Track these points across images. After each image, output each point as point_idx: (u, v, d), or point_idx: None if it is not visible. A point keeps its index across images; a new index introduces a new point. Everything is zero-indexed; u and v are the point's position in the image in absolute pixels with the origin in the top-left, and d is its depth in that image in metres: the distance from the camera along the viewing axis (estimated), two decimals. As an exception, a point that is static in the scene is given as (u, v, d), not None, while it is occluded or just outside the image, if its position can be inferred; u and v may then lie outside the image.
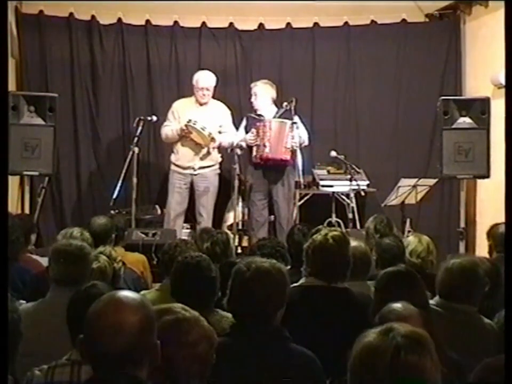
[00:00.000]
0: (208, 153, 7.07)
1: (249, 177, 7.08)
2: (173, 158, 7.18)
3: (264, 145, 6.81)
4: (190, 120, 6.89)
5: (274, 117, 6.99)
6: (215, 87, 7.20)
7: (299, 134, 6.86)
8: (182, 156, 7.09)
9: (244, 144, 6.96)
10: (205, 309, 3.12)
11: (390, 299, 2.64)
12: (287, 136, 6.81)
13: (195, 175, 7.09)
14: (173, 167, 7.18)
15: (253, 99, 7.12)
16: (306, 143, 7.09)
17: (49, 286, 3.38)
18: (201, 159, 7.07)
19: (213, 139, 6.96)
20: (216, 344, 2.19)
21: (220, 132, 7.10)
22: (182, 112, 7.07)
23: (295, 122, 6.83)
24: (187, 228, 7.25)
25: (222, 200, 7.69)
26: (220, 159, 7.25)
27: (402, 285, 2.99)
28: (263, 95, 7.09)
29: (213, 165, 7.18)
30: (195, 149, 7.06)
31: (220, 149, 7.21)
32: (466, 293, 3.33)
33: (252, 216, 7.04)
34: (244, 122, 7.16)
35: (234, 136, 7.14)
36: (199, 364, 2.12)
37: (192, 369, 2.11)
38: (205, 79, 7.12)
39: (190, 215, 7.26)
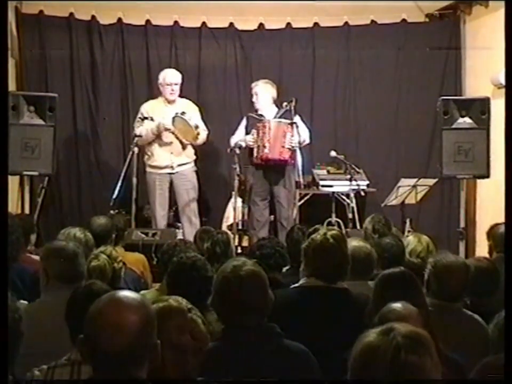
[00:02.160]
0: (183, 149, 7.01)
1: (250, 178, 7.07)
2: (147, 159, 7.08)
3: (264, 146, 6.81)
4: (177, 113, 6.85)
5: (274, 117, 6.99)
6: (181, 84, 7.15)
7: (299, 133, 6.87)
8: (158, 156, 7.01)
9: (243, 144, 6.96)
10: (201, 308, 3.13)
11: (388, 301, 2.63)
12: (286, 136, 6.82)
13: (173, 173, 7.04)
14: (148, 169, 7.08)
15: (254, 99, 7.12)
16: (307, 141, 7.09)
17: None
18: (178, 156, 7.00)
19: (198, 133, 6.91)
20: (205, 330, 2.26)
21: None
22: (151, 113, 7.00)
23: (294, 122, 6.84)
24: (181, 228, 7.22)
25: (222, 200, 7.70)
26: (194, 156, 7.20)
27: (400, 287, 2.98)
28: (264, 94, 7.09)
29: (189, 162, 7.14)
30: (170, 148, 7.00)
31: (194, 146, 7.13)
32: (455, 292, 3.38)
33: (253, 216, 7.04)
34: (244, 122, 7.16)
35: (204, 133, 7.10)
36: (199, 346, 2.19)
37: (193, 352, 2.17)
38: (171, 76, 7.10)
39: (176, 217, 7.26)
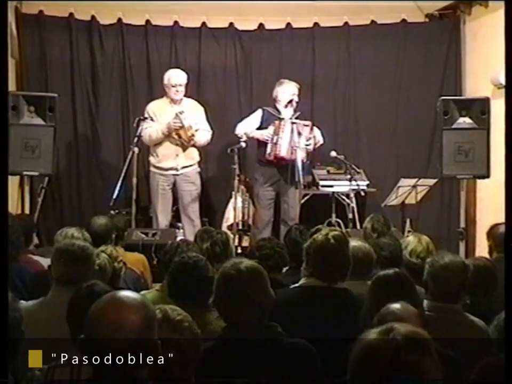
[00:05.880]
0: (188, 150, 7.02)
1: (257, 176, 7.09)
2: (152, 160, 7.11)
3: (279, 144, 6.85)
4: (182, 112, 6.85)
5: (291, 118, 7.01)
6: (187, 84, 7.17)
7: (315, 136, 6.93)
8: (163, 157, 7.03)
9: (245, 142, 6.96)
10: (202, 308, 3.13)
11: (382, 303, 2.62)
12: (301, 137, 6.84)
13: (177, 175, 7.06)
14: (153, 169, 7.12)
15: (286, 94, 7.10)
16: (321, 142, 7.18)
17: (50, 285, 3.37)
18: (183, 158, 7.03)
19: (192, 139, 6.94)
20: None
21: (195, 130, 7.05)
22: (158, 113, 7.03)
23: (307, 124, 6.88)
24: (182, 228, 7.22)
25: (222, 200, 7.70)
26: (198, 158, 7.22)
27: (394, 288, 2.96)
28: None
29: (194, 164, 7.16)
30: (176, 149, 7.02)
31: (197, 147, 7.16)
32: (454, 292, 3.33)
33: (259, 216, 7.06)
34: (259, 113, 7.16)
35: (208, 134, 7.15)
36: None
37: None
38: (176, 76, 7.11)
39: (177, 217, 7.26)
